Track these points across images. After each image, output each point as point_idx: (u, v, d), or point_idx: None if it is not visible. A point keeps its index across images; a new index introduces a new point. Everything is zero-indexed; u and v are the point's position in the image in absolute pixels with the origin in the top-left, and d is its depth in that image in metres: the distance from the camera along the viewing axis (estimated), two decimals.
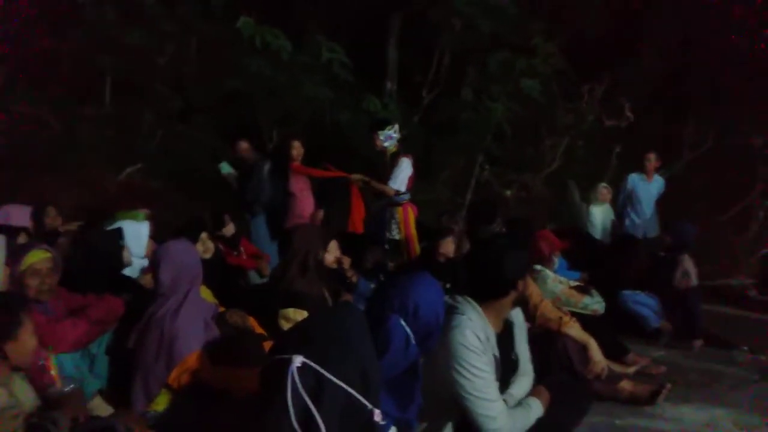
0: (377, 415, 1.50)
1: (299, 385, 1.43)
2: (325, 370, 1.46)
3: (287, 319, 3.13)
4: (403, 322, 1.81)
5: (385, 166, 4.81)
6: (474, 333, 2.05)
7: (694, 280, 4.31)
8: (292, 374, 1.44)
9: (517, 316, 2.41)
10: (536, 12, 7.81)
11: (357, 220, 5.07)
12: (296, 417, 1.42)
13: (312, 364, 1.46)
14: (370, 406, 1.50)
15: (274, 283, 3.47)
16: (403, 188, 4.74)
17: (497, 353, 2.17)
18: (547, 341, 3.12)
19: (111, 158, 6.76)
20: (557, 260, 3.99)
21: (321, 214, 5.35)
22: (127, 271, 3.48)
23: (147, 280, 3.21)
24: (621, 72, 8.08)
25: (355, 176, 4.96)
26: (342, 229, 4.97)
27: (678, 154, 8.15)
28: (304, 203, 5.40)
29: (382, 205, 4.91)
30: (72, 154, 6.42)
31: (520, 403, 2.21)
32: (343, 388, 1.46)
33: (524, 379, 2.34)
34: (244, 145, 5.37)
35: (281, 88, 6.58)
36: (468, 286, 2.17)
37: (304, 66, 6.60)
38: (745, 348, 3.98)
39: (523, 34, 7.40)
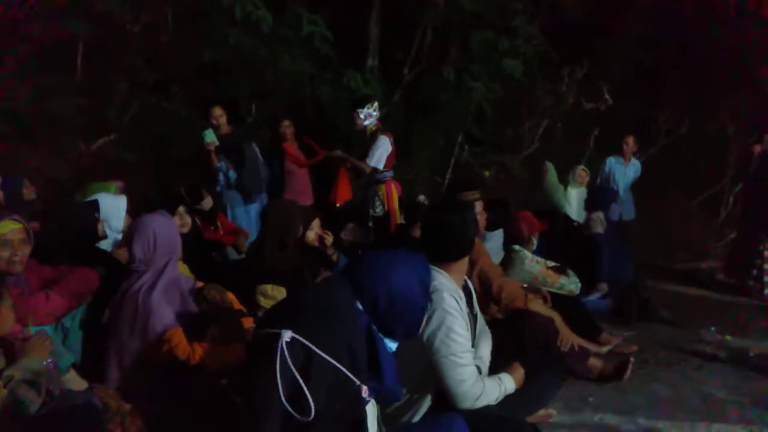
0: (364, 391, 1.50)
1: (288, 360, 1.41)
2: (314, 345, 1.45)
3: (265, 295, 3.11)
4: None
5: (365, 145, 4.78)
6: (451, 296, 2.10)
7: (599, 228, 4.63)
8: (282, 348, 1.42)
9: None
10: None
11: (341, 197, 5.06)
12: (284, 391, 1.41)
13: (301, 339, 1.45)
14: (357, 382, 1.49)
15: (251, 258, 3.44)
16: (380, 166, 4.68)
17: (468, 310, 2.23)
18: (520, 320, 3.15)
19: (83, 128, 6.56)
20: (536, 241, 4.02)
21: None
22: (100, 245, 3.40)
23: (121, 254, 3.14)
24: (600, 56, 8.10)
25: (335, 153, 4.96)
26: (324, 205, 4.96)
27: (653, 139, 8.25)
28: (302, 180, 5.40)
29: (365, 183, 4.88)
30: (41, 123, 6.21)
31: (492, 377, 2.22)
32: (331, 364, 1.45)
33: (485, 337, 2.40)
34: (217, 111, 5.13)
35: (261, 61, 6.43)
36: (431, 251, 2.14)
37: (285, 39, 6.45)
38: (713, 328, 4.10)
39: (505, 14, 7.34)
